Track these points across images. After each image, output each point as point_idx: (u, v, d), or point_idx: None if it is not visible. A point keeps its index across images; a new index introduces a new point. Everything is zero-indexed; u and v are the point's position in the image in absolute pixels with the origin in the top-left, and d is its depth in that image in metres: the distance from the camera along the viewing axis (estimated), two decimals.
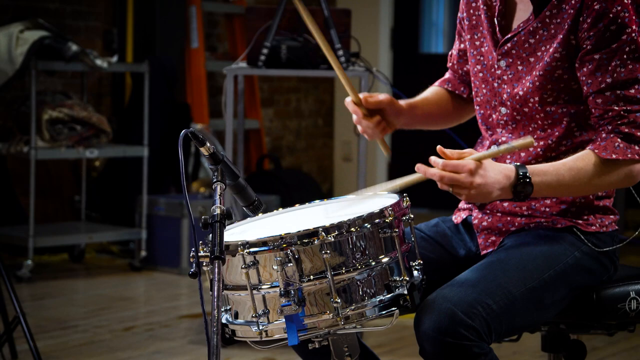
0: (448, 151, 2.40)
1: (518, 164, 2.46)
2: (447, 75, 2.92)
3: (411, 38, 8.76)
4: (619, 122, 2.50)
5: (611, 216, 2.66)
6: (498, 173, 2.40)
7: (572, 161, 2.50)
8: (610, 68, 2.50)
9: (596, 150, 2.49)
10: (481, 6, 2.69)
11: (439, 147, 2.40)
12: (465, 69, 2.85)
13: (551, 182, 2.46)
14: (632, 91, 2.50)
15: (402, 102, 2.78)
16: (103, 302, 5.47)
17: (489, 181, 2.38)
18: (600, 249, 2.61)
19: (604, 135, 2.51)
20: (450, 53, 2.91)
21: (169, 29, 6.95)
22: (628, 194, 2.85)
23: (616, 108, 2.50)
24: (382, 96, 2.72)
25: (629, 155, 2.49)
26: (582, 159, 2.50)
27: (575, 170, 2.48)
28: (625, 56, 2.49)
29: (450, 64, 2.90)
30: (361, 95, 2.70)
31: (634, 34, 2.49)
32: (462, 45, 2.84)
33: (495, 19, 2.65)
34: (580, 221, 2.61)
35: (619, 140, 2.49)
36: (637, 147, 2.50)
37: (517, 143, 2.42)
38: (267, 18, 4.85)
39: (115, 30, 6.89)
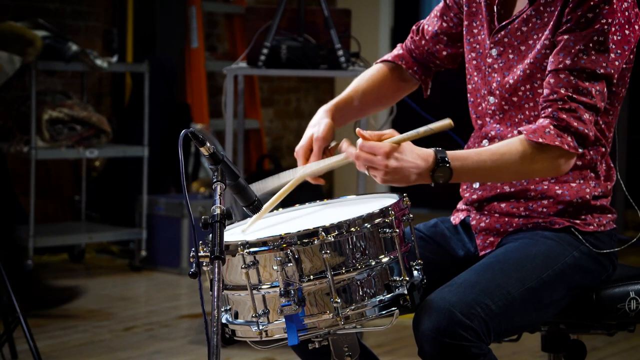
0: (367, 133, 2.38)
1: (439, 148, 2.42)
2: (401, 51, 2.87)
3: None
4: (559, 106, 2.46)
5: (609, 215, 2.66)
6: (416, 157, 2.38)
7: (497, 146, 2.47)
8: (573, 51, 2.47)
9: (524, 132, 2.46)
10: None
11: (358, 129, 2.40)
12: (436, 47, 2.81)
13: (471, 166, 2.42)
14: (586, 83, 2.46)
15: (330, 111, 2.72)
16: (103, 302, 5.47)
17: (404, 165, 2.36)
18: (598, 249, 2.61)
19: (540, 119, 2.48)
20: (419, 27, 2.85)
21: (169, 29, 6.95)
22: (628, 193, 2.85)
23: (562, 91, 2.46)
24: (317, 146, 2.63)
25: (557, 143, 2.44)
26: (508, 144, 2.46)
27: (498, 155, 2.44)
28: (591, 44, 2.47)
29: (417, 38, 2.84)
30: (306, 162, 2.63)
31: (606, 27, 2.46)
32: (444, 25, 2.79)
33: (495, 6, 2.65)
34: (578, 221, 2.61)
35: (551, 126, 2.45)
36: (568, 138, 2.45)
37: (435, 125, 2.40)
38: (267, 18, 4.85)
39: (115, 30, 6.89)
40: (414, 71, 2.85)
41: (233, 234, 2.50)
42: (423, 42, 2.83)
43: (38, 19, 6.10)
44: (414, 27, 2.87)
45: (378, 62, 2.89)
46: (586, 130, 2.46)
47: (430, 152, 2.40)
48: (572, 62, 2.47)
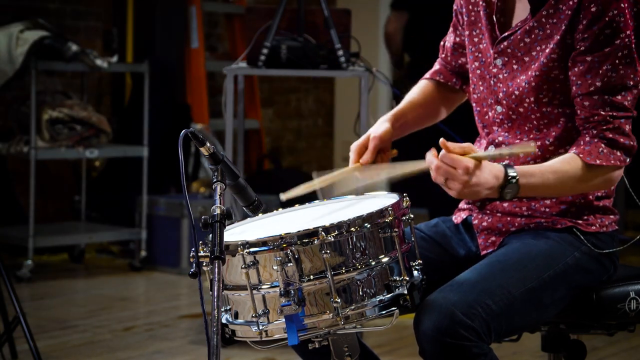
0: (450, 144, 2.39)
1: (507, 163, 2.46)
2: (438, 66, 2.90)
3: None
4: (604, 127, 2.51)
5: (611, 216, 2.66)
6: (489, 173, 2.41)
7: (558, 164, 2.51)
8: (601, 71, 2.50)
9: (581, 155, 2.51)
10: (480, 2, 2.69)
11: (441, 139, 2.40)
12: (459, 61, 2.84)
13: (536, 184, 2.47)
14: (619, 97, 2.50)
15: (389, 119, 2.74)
16: (103, 302, 5.47)
17: (481, 182, 2.39)
18: (600, 249, 2.61)
19: (587, 139, 2.53)
20: (442, 44, 2.89)
21: (169, 29, 6.95)
22: (628, 194, 2.85)
23: (602, 113, 2.51)
24: (373, 144, 2.67)
25: (612, 162, 2.51)
26: (568, 163, 2.51)
27: (561, 174, 2.49)
28: (617, 61, 2.50)
29: (443, 55, 2.88)
30: (359, 159, 2.67)
31: (627, 39, 2.49)
32: (457, 39, 2.83)
33: (494, 16, 2.65)
34: (580, 221, 2.61)
35: (602, 145, 2.51)
36: (619, 154, 2.51)
37: (518, 149, 2.48)
38: (267, 18, 4.85)
39: (115, 30, 6.89)
40: (453, 83, 2.87)
41: (230, 232, 2.50)
42: (448, 58, 2.86)
43: (38, 19, 6.10)
44: (441, 44, 2.90)
45: (422, 79, 2.91)
46: (632, 142, 2.53)
47: (500, 168, 2.43)
48: (602, 82, 2.50)
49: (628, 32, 2.49)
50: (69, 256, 6.51)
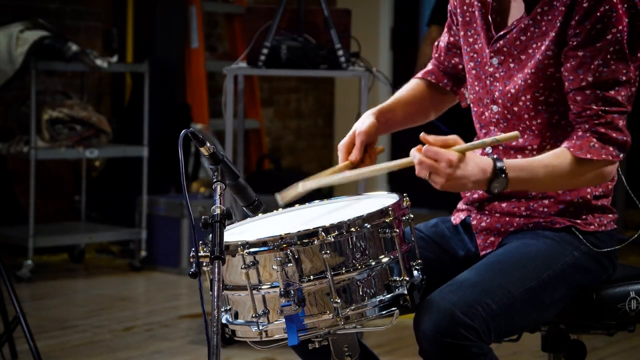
0: (431, 138, 2.37)
1: (495, 157, 2.44)
2: (431, 66, 2.89)
3: (411, 38, 8.76)
4: (595, 122, 2.50)
5: (609, 215, 2.66)
6: (475, 166, 2.38)
7: (548, 158, 2.49)
8: (592, 67, 2.49)
9: (571, 149, 2.49)
10: (475, 2, 2.69)
11: (422, 134, 2.38)
12: (453, 61, 2.84)
13: (525, 178, 2.45)
14: (612, 92, 2.49)
15: (374, 113, 2.73)
16: (103, 302, 5.48)
17: (466, 174, 2.36)
18: (599, 249, 2.61)
19: (580, 133, 2.51)
20: (436, 44, 2.89)
21: (169, 29, 6.95)
22: (628, 194, 2.85)
23: (594, 107, 2.49)
24: (359, 140, 2.67)
25: (603, 156, 2.49)
26: (558, 157, 2.49)
27: (550, 168, 2.47)
28: (608, 56, 2.49)
29: (437, 55, 2.88)
30: (348, 157, 2.67)
31: (619, 35, 2.48)
32: (452, 39, 2.82)
33: (489, 16, 2.65)
34: (578, 221, 2.61)
35: (594, 140, 2.49)
36: (611, 148, 2.50)
37: (501, 136, 2.41)
38: (267, 18, 4.85)
39: (115, 30, 6.89)
40: (444, 84, 2.87)
41: (233, 233, 2.50)
42: (442, 57, 2.86)
43: (38, 19, 6.10)
44: (435, 44, 2.89)
45: (414, 77, 2.90)
46: (625, 138, 2.51)
47: (489, 161, 2.40)
48: (594, 77, 2.49)
49: (620, 28, 2.49)
50: (69, 256, 6.51)
